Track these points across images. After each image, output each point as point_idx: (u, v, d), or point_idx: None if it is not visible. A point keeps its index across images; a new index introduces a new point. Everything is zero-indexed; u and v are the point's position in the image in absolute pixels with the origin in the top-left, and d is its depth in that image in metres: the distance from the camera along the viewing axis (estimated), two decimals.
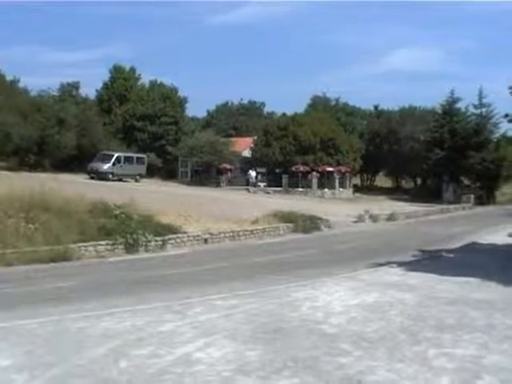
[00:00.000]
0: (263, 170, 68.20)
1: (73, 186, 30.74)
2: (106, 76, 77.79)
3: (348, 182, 72.00)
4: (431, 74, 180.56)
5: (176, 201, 35.94)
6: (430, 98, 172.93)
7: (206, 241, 25.09)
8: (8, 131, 54.52)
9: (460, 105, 74.38)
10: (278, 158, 66.62)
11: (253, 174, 66.34)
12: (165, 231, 23.77)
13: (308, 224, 31.80)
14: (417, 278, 16.00)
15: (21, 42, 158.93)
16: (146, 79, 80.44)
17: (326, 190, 65.77)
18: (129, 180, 58.30)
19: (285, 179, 65.70)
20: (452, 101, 73.86)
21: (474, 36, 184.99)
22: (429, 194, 69.01)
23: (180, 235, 24.34)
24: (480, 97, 71.22)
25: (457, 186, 70.53)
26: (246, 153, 72.95)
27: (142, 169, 62.61)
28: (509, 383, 7.40)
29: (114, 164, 58.44)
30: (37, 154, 58.36)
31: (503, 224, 37.50)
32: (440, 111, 75.22)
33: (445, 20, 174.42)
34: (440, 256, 22.04)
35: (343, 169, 68.40)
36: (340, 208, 46.58)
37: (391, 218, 41.10)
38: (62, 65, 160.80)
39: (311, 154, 66.41)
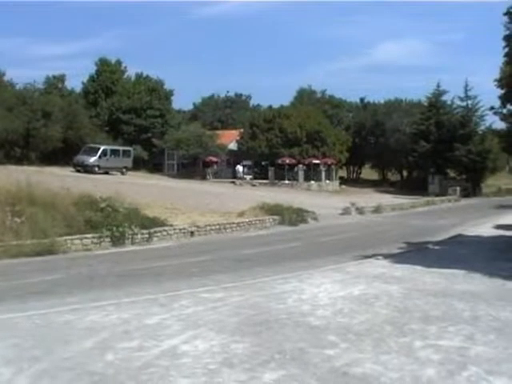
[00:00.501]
0: (249, 162, 68.30)
1: (59, 179, 30.70)
2: (91, 69, 77.65)
3: (334, 175, 72.16)
4: (417, 66, 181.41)
5: (162, 194, 35.97)
6: (416, 91, 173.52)
7: (192, 234, 25.10)
8: None
9: (446, 97, 74.87)
10: (264, 150, 66.74)
11: (240, 168, 66.36)
12: (151, 224, 23.77)
13: (294, 216, 31.86)
14: (403, 270, 16.05)
15: (7, 34, 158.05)
16: (132, 72, 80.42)
17: (313, 182, 65.95)
18: (115, 173, 58.16)
19: (271, 172, 65.83)
20: (438, 93, 74.25)
21: (460, 29, 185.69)
22: (415, 187, 69.36)
23: (166, 228, 24.35)
24: (466, 89, 71.70)
25: (443, 178, 70.85)
26: (232, 145, 73.04)
27: (128, 162, 62.48)
28: (494, 374, 7.42)
29: (100, 157, 58.25)
30: (23, 147, 58.20)
31: (489, 216, 37.71)
32: (426, 104, 75.61)
33: (431, 12, 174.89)
34: (426, 248, 22.11)
35: (329, 161, 68.56)
36: (326, 200, 46.75)
37: (377, 210, 41.26)
38: (48, 58, 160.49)
39: (297, 147, 66.56)
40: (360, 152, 79.73)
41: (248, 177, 66.78)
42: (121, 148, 62.90)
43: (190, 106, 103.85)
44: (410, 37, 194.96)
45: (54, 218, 20.85)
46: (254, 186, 61.41)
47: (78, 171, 54.60)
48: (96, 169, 56.38)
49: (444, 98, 74.73)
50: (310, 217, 33.18)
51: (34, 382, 6.94)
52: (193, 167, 69.65)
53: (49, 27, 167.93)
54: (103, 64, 76.87)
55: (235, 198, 40.82)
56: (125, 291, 13.04)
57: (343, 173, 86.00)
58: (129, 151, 63.40)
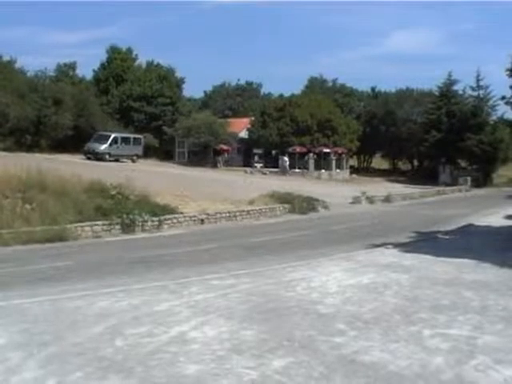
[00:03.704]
0: (260, 151, 68.25)
1: (70, 167, 30.79)
2: (103, 56, 77.65)
3: (345, 164, 72.07)
4: (429, 56, 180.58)
5: (173, 181, 35.98)
6: (428, 81, 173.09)
7: (202, 221, 25.15)
8: (5, 111, 54.41)
9: (457, 87, 74.54)
10: (274, 139, 66.65)
11: (286, 158, 65.89)
12: (161, 211, 23.82)
13: (304, 205, 31.85)
14: (412, 259, 16.03)
15: (18, 22, 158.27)
16: (142, 60, 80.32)
17: (323, 171, 65.87)
18: (125, 160, 58.16)
19: (281, 160, 65.71)
20: (449, 83, 73.98)
21: (472, 18, 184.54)
22: (425, 176, 69.14)
23: (176, 215, 24.41)
24: (477, 79, 71.37)
25: (453, 168, 70.65)
26: (243, 134, 72.96)
27: (139, 149, 62.42)
28: (502, 363, 7.42)
29: (110, 144, 58.23)
30: (34, 135, 58.24)
31: (499, 206, 37.58)
32: (437, 93, 75.33)
33: (443, 2, 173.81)
34: (436, 237, 22.08)
35: (340, 150, 68.46)
36: (337, 189, 46.69)
37: (387, 199, 41.21)
38: (59, 45, 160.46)
39: (308, 136, 66.44)
40: (371, 141, 79.48)
41: (259, 165, 66.74)
42: (131, 136, 62.86)
43: (201, 94, 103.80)
44: (422, 26, 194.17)
45: (64, 205, 20.92)
46: (264, 174, 61.36)
47: (89, 159, 54.60)
48: (107, 156, 56.36)
49: (455, 87, 74.56)
50: (320, 205, 33.17)
51: (44, 367, 6.98)
52: (203, 155, 69.49)
53: (60, 15, 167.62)
54: (114, 52, 76.84)
55: (246, 186, 40.82)
56: (135, 278, 13.10)
57: (354, 162, 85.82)
58: (139, 139, 63.37)
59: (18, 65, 70.94)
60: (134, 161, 59.23)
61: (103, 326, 8.67)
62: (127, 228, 21.85)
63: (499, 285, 12.39)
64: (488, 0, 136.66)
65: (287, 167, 64.76)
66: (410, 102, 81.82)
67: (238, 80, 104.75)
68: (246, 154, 70.96)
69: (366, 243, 19.68)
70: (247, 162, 68.52)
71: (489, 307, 10.36)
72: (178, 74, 78.90)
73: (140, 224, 22.39)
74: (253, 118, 72.77)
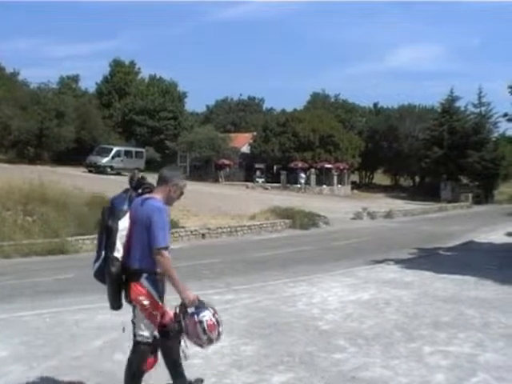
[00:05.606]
0: (262, 166, 68.33)
1: (71, 179, 30.79)
2: (105, 70, 77.95)
3: (346, 179, 72.10)
4: (432, 72, 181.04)
5: None
6: (431, 97, 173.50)
7: (203, 236, 25.13)
8: (7, 124, 54.59)
9: (459, 103, 74.65)
10: (276, 154, 66.76)
11: (303, 175, 65.91)
12: None
13: (306, 220, 31.81)
14: (413, 275, 16.00)
15: (22, 34, 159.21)
16: (145, 73, 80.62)
17: (325, 186, 65.91)
18: (127, 174, 58.26)
19: (283, 175, 65.76)
20: (451, 99, 74.08)
21: (474, 34, 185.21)
22: (427, 193, 69.14)
23: (178, 230, 24.35)
24: (479, 96, 71.45)
25: (455, 184, 70.59)
26: (245, 149, 73.06)
27: (141, 163, 62.52)
28: (503, 381, 7.40)
29: (112, 157, 58.50)
30: (36, 147, 58.40)
31: (501, 223, 37.52)
32: (439, 110, 75.48)
33: (447, 17, 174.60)
34: (437, 254, 22.03)
35: (342, 166, 68.50)
36: (338, 205, 46.69)
37: (389, 215, 41.18)
38: (62, 58, 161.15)
39: (310, 151, 66.55)
40: (373, 157, 79.60)
41: (260, 180, 66.81)
42: (133, 149, 63.16)
43: (204, 109, 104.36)
44: (426, 42, 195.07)
45: (65, 218, 20.94)
46: (266, 189, 61.39)
47: (91, 171, 54.75)
48: (108, 169, 56.55)
49: (458, 104, 74.65)
50: (321, 221, 33.13)
51: (44, 380, 6.97)
52: (205, 170, 69.64)
53: (64, 28, 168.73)
54: (117, 65, 77.17)
55: (247, 201, 40.83)
56: None
57: (355, 177, 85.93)
58: (141, 152, 63.62)
59: (20, 77, 71.47)
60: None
61: (103, 340, 8.67)
62: None
63: (500, 302, 12.36)
64: (492, 17, 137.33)
65: (303, 184, 64.84)
66: (412, 118, 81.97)
67: (241, 95, 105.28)
68: (247, 169, 71.05)
69: (367, 259, 19.65)
70: (249, 177, 68.59)
71: (490, 324, 10.33)
72: (181, 88, 79.29)
73: None
74: (255, 133, 72.91)
